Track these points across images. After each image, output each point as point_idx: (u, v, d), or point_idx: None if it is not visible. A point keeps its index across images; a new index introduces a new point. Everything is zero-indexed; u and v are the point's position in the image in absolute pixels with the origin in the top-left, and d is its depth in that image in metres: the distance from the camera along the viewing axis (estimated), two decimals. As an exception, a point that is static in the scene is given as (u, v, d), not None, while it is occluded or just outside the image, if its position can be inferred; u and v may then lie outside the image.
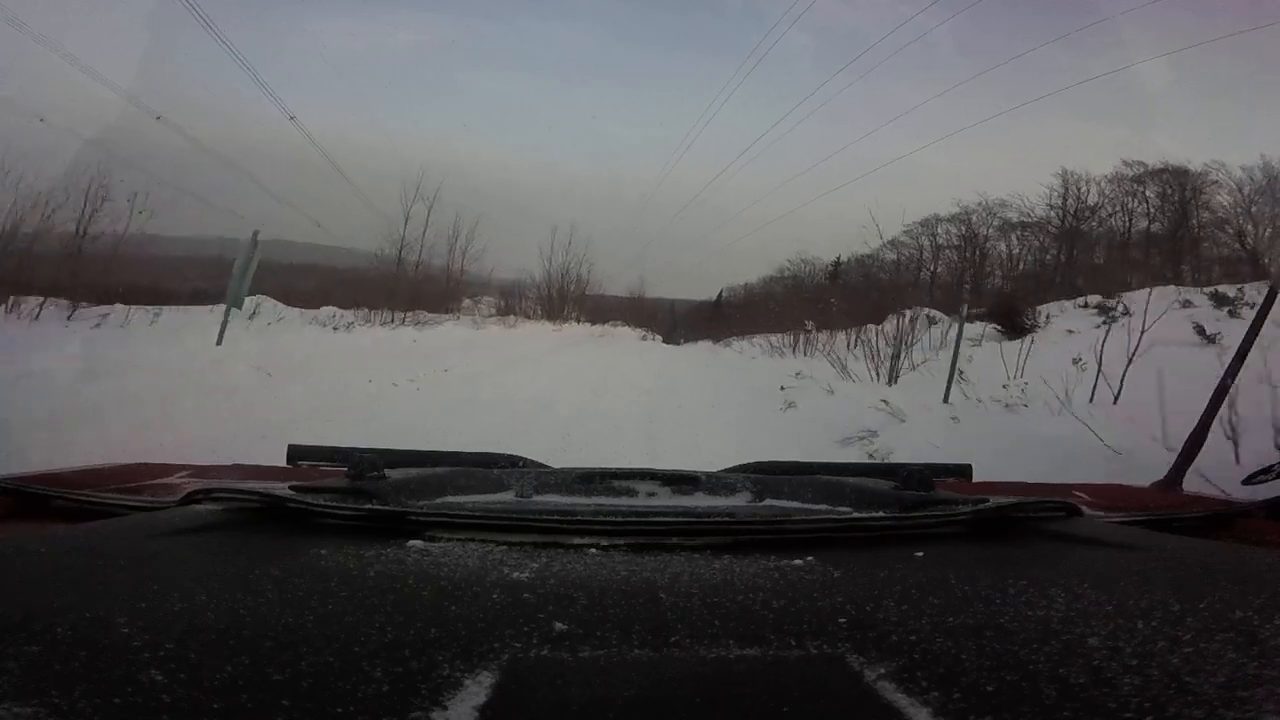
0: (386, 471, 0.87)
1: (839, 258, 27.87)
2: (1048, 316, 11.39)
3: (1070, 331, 9.26)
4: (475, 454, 1.03)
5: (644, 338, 26.26)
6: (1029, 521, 0.68)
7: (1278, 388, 2.45)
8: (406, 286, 15.76)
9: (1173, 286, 11.36)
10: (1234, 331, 5.89)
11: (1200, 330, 7.28)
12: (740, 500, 0.87)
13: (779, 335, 14.98)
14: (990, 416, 4.61)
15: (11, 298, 7.59)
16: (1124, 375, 4.52)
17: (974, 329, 9.54)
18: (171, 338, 6.70)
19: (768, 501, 0.86)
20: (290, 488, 0.70)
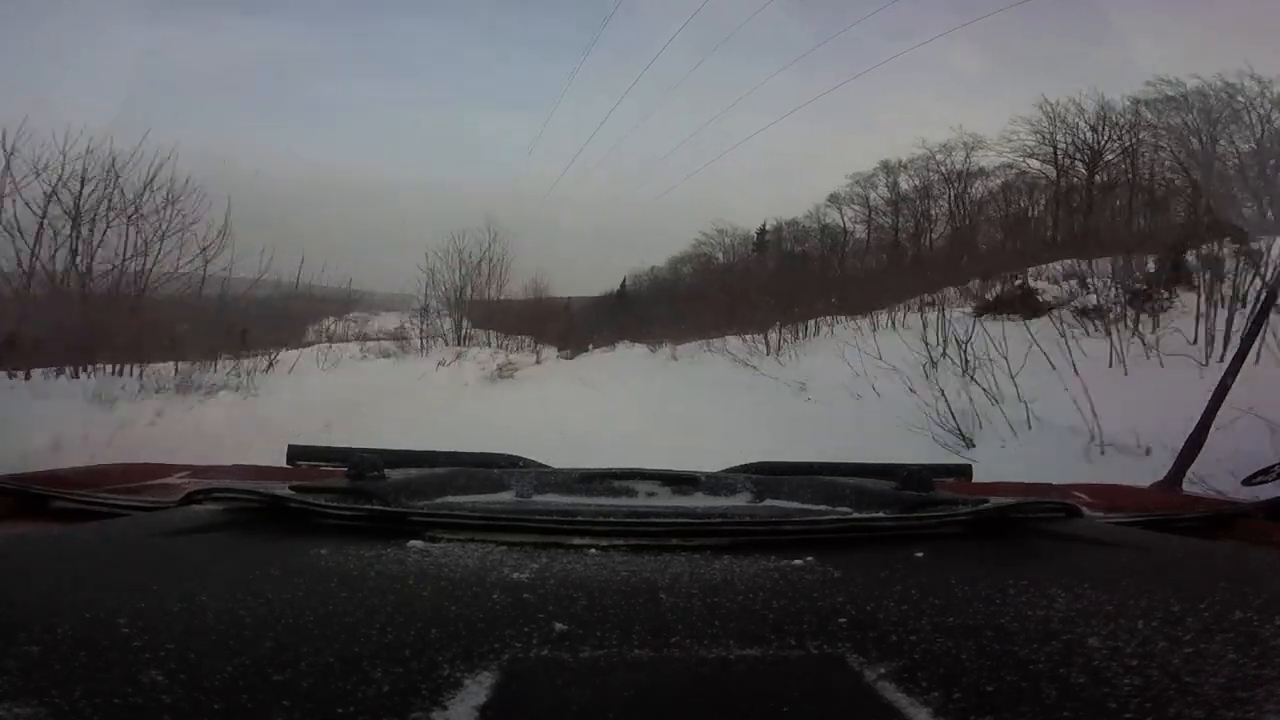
0: (386, 472, 0.87)
1: (764, 224, 23.50)
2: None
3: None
4: (475, 454, 1.03)
5: (500, 370, 12.93)
6: (1029, 522, 0.68)
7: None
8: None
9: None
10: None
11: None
12: (740, 501, 0.87)
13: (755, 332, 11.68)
14: None
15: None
16: None
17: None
18: None
19: (767, 502, 0.86)
20: (290, 488, 0.70)
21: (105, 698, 0.33)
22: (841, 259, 20.96)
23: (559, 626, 0.42)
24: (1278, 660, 0.39)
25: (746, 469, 1.01)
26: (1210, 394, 1.16)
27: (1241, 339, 1.29)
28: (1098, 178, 16.43)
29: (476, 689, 0.35)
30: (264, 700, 0.34)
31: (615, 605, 0.46)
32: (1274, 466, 0.85)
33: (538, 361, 16.47)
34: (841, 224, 22.42)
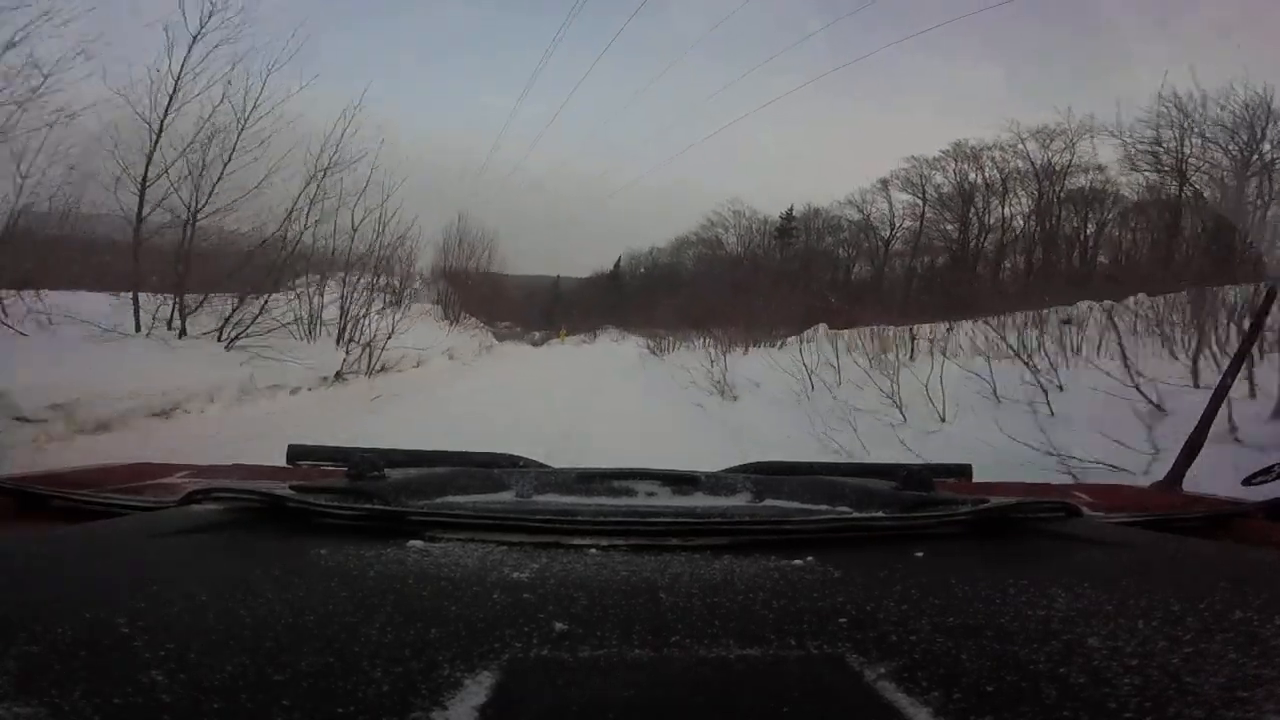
0: (386, 471, 0.87)
1: (790, 209, 20.58)
2: None
3: None
4: (475, 454, 1.03)
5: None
6: (1029, 522, 0.68)
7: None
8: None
9: None
10: None
11: None
12: (740, 500, 0.87)
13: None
14: None
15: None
16: None
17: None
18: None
19: (767, 501, 0.86)
20: (290, 487, 0.70)
21: (105, 698, 0.33)
22: (886, 251, 18.00)
23: (559, 626, 0.42)
24: (1278, 660, 0.39)
25: (746, 469, 1.01)
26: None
27: (1241, 341, 1.28)
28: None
29: (476, 689, 0.35)
30: (264, 700, 0.34)
31: (615, 605, 0.46)
32: (1274, 466, 0.85)
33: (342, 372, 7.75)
34: (889, 213, 18.54)
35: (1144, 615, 0.44)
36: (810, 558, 0.55)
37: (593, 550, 0.58)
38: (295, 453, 1.03)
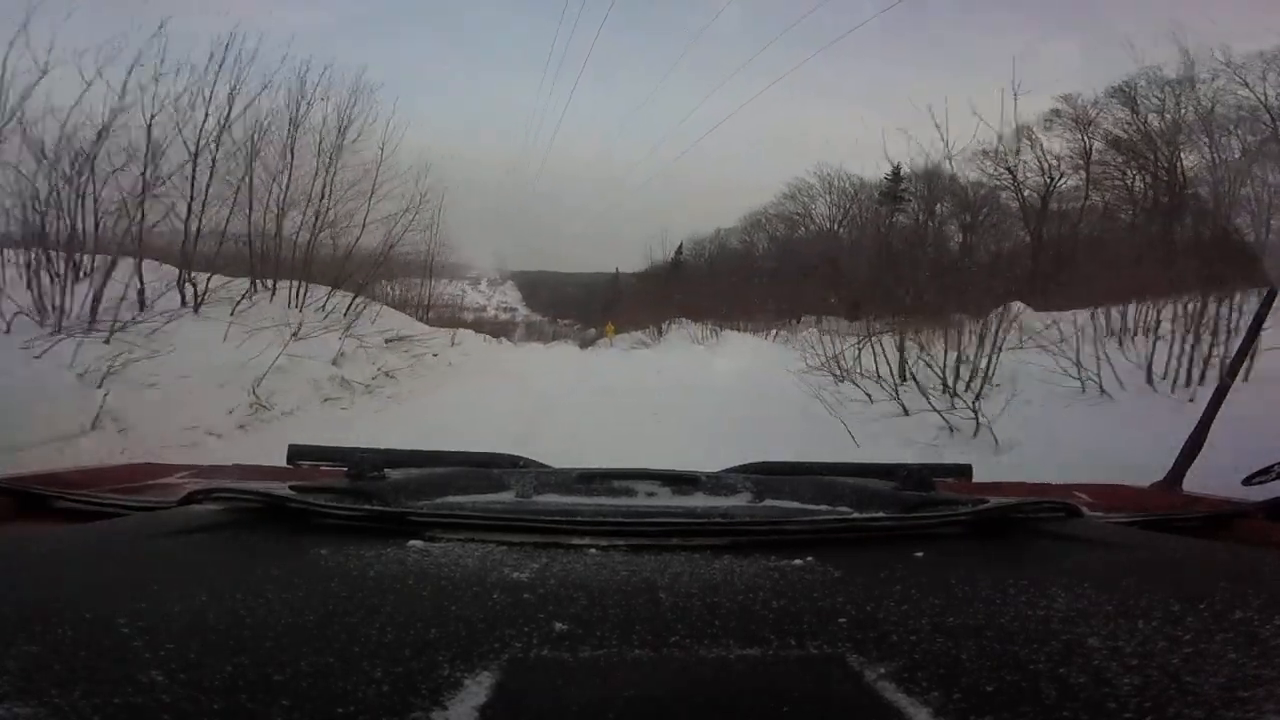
0: (386, 472, 0.87)
1: (897, 167, 15.43)
2: None
3: None
4: (475, 454, 1.03)
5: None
6: (1029, 522, 0.68)
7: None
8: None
9: None
10: None
11: None
12: (740, 500, 0.87)
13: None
14: None
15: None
16: None
17: None
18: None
19: (767, 502, 0.86)
20: (290, 488, 0.70)
21: (105, 698, 0.33)
22: (1042, 212, 14.13)
23: (559, 626, 0.42)
24: (1278, 660, 0.39)
25: (746, 469, 1.01)
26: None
27: (1241, 341, 1.29)
28: None
29: (476, 689, 0.35)
30: (264, 700, 0.34)
31: (615, 605, 0.46)
32: (1274, 466, 0.85)
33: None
34: (1042, 164, 14.23)
35: (1144, 615, 0.44)
36: (810, 558, 0.55)
37: (593, 550, 0.58)
38: (295, 453, 1.03)
